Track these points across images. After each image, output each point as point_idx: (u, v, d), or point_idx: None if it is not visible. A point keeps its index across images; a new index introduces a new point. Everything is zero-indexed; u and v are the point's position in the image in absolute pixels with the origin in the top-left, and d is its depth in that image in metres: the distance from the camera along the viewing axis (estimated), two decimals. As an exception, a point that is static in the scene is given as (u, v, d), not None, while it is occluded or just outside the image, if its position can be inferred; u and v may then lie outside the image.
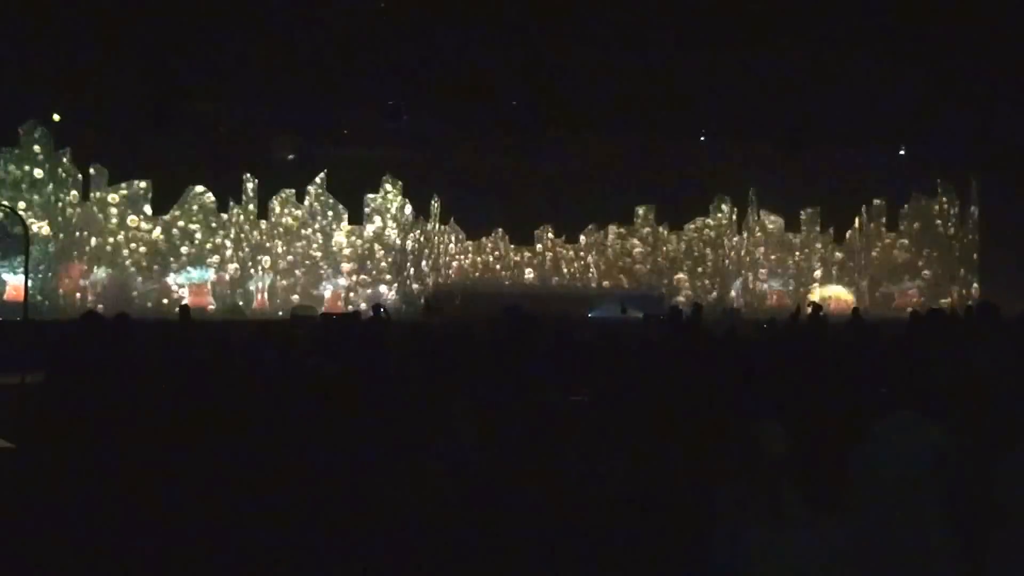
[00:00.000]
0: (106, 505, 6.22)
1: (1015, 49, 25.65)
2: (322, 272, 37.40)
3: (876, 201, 39.75)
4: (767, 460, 4.00)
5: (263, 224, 35.89)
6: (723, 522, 4.06)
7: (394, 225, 37.94)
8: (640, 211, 40.09)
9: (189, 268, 34.96)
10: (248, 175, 34.73)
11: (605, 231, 40.94)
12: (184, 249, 34.84)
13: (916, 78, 28.39)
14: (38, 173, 31.87)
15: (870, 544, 4.19)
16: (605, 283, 40.94)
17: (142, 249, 34.62)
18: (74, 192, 32.75)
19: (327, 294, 37.26)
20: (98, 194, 33.80)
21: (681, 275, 40.97)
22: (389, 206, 37.71)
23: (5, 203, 29.76)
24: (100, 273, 34.05)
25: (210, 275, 35.08)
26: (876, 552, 4.19)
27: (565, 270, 41.89)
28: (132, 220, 34.53)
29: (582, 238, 40.81)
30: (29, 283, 26.33)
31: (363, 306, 29.79)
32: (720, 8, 25.29)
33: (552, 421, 6.70)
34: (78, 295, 32.90)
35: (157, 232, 34.75)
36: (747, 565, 3.94)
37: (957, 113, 30.31)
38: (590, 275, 41.89)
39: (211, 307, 34.09)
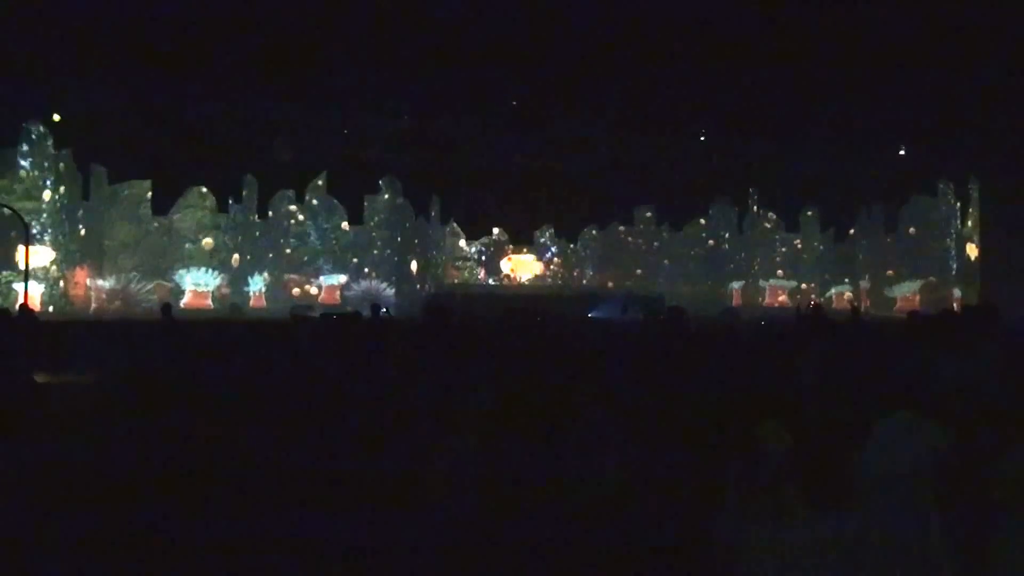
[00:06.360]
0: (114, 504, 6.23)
1: (1015, 50, 25.66)
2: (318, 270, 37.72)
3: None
4: (768, 460, 4.01)
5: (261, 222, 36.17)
6: (725, 521, 4.07)
7: (393, 225, 38.00)
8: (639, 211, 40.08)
9: (192, 269, 35.14)
10: (248, 175, 34.76)
11: (605, 231, 40.93)
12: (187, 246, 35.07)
13: (917, 78, 28.39)
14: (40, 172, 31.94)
15: (870, 543, 4.20)
16: (607, 283, 40.99)
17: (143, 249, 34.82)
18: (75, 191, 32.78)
19: (323, 291, 37.41)
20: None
21: (681, 276, 41.03)
22: (387, 205, 37.80)
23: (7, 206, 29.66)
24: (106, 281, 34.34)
25: (215, 281, 35.27)
26: (876, 551, 4.20)
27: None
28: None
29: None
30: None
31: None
32: (721, 8, 25.31)
33: (552, 422, 6.69)
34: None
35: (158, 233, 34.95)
36: (749, 564, 3.96)
37: (957, 113, 30.27)
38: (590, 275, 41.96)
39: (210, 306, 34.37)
